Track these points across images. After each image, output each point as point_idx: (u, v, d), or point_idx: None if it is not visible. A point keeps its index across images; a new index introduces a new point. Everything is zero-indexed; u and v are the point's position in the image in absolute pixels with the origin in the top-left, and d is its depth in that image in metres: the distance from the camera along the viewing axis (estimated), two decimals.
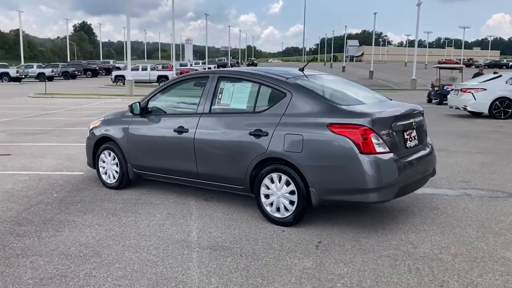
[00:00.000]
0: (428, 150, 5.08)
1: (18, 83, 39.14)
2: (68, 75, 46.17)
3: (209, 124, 5.17)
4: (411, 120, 4.82)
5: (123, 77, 37.97)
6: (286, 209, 4.67)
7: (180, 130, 5.33)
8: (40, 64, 46.00)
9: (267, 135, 4.68)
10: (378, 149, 4.30)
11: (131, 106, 5.87)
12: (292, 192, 4.60)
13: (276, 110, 4.77)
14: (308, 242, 4.30)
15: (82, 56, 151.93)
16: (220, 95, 5.27)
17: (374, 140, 4.28)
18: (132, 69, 38.66)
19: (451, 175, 6.86)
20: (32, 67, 43.51)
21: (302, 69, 5.32)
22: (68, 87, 33.10)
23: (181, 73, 42.27)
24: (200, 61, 52.22)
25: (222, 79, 5.32)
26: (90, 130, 6.49)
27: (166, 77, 37.01)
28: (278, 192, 4.69)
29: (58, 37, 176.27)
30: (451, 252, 4.08)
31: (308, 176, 4.48)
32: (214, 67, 58.13)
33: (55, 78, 43.82)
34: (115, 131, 6.09)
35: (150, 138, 5.73)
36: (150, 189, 6.11)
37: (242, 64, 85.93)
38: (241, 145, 4.87)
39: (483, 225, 4.77)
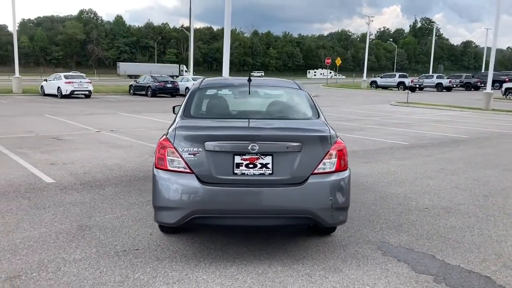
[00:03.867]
0: (294, 187, 3.85)
1: (411, 92, 41.58)
2: (469, 86, 45.37)
3: None
4: (247, 143, 3.85)
5: None
6: None
7: None
8: (441, 75, 46.90)
9: None
10: (172, 167, 3.92)
11: (173, 108, 6.91)
12: None
13: None
14: (121, 248, 4.37)
15: None
16: None
17: (169, 156, 3.94)
18: None
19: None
20: (432, 77, 45.22)
21: (249, 79, 5.00)
22: (441, 97, 33.08)
23: None
24: None
25: None
26: None
27: None
28: None
29: (509, 47, 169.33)
30: None
31: None
32: None
33: (453, 88, 44.05)
34: None
35: None
36: None
37: None
38: None
39: None
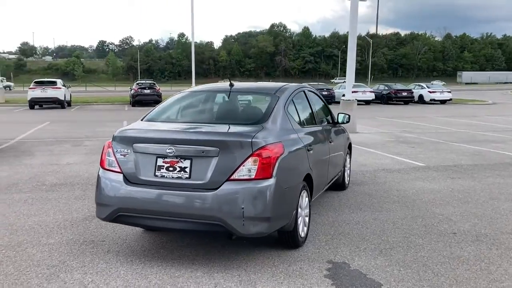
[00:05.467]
0: (206, 193, 3.74)
1: None
2: None
3: None
4: (166, 147, 3.88)
5: None
6: None
7: None
8: None
9: None
10: (108, 166, 4.20)
11: None
12: None
13: None
14: (92, 238, 4.80)
15: None
16: None
17: (108, 156, 4.23)
18: None
19: None
20: None
21: (231, 84, 5.02)
22: None
23: None
24: None
25: None
26: None
27: None
28: None
29: None
30: None
31: None
32: None
33: None
34: None
35: None
36: None
37: None
38: None
39: None
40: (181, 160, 3.90)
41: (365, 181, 7.59)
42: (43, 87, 25.34)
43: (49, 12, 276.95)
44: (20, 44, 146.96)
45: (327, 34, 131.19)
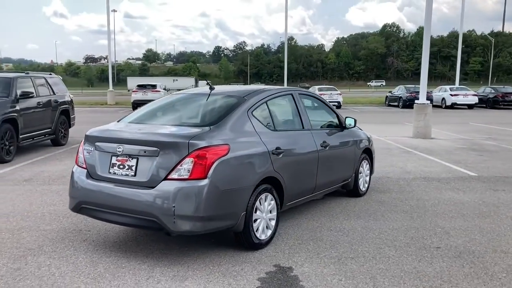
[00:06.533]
0: (145, 190, 3.97)
1: None
2: None
3: None
4: (115, 146, 4.17)
5: None
6: None
7: None
8: None
9: None
10: (79, 162, 4.61)
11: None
12: None
13: None
14: (81, 228, 5.28)
15: None
16: None
17: (79, 154, 4.64)
18: None
19: None
20: None
21: (211, 88, 5.19)
22: None
23: None
24: None
25: None
26: None
27: None
28: None
29: None
30: None
31: None
32: None
33: None
34: None
35: None
36: None
37: None
38: None
39: None
40: (130, 159, 4.16)
41: (392, 188, 7.20)
42: (144, 90, 27.50)
43: (171, 21, 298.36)
44: (145, 51, 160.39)
45: (445, 34, 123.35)
